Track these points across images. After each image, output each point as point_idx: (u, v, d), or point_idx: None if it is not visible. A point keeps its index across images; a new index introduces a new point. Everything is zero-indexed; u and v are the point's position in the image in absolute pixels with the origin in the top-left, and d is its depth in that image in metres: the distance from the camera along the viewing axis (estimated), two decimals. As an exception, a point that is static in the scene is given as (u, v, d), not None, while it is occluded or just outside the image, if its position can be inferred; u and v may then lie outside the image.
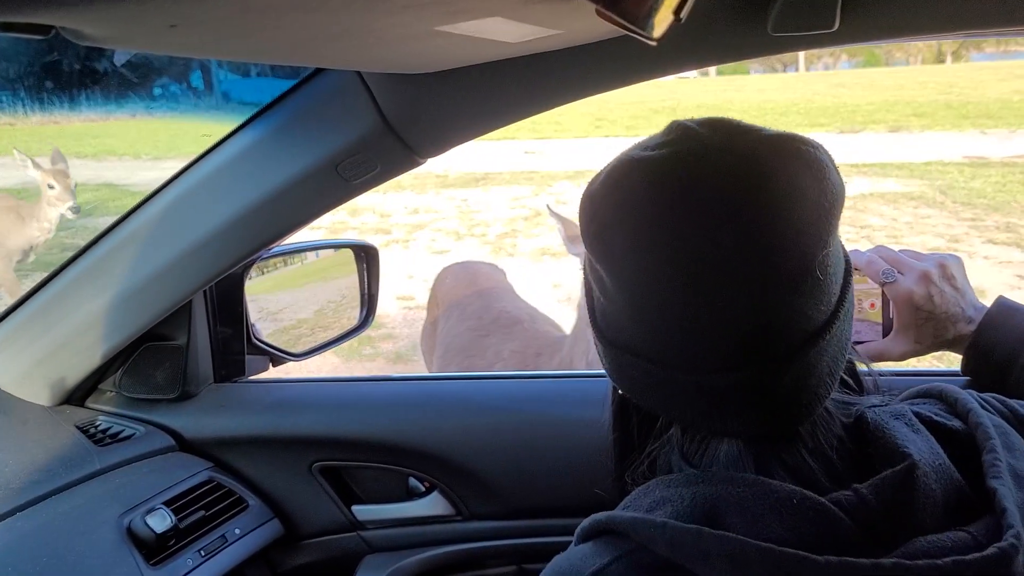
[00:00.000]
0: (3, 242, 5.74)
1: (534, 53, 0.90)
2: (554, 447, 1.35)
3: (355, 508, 1.44)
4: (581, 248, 2.48)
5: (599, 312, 0.69)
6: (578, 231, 0.68)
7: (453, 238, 8.29)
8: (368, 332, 5.35)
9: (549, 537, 1.39)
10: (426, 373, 3.21)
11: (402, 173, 1.10)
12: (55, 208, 5.63)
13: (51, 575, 1.06)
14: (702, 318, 0.59)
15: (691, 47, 0.86)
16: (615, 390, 0.76)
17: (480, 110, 1.01)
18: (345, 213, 9.34)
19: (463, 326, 3.03)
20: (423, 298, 5.97)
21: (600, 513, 0.66)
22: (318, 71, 1.06)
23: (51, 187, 5.55)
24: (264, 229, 1.19)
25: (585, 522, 0.67)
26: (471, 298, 3.17)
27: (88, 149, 15.08)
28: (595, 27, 0.70)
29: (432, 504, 1.42)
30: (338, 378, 1.65)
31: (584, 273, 0.72)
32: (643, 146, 0.65)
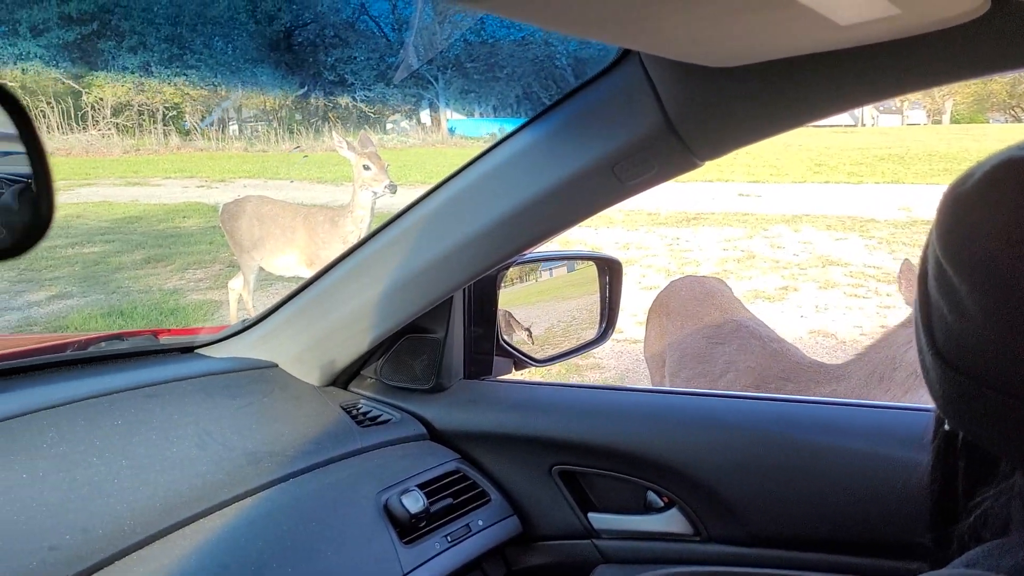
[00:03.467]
0: (320, 253, 6.00)
1: (840, 49, 0.87)
2: (809, 475, 1.27)
3: (591, 515, 1.44)
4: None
5: (942, 332, 0.60)
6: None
7: (664, 275, 8.19)
8: (577, 360, 5.39)
9: (796, 570, 1.31)
10: (670, 387, 3.26)
11: (678, 175, 1.09)
12: (368, 191, 5.77)
13: (317, 540, 1.13)
14: None
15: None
16: (940, 424, 0.67)
17: (770, 110, 0.97)
18: (557, 244, 9.48)
19: (700, 334, 3.09)
20: (632, 332, 5.93)
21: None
22: (602, 73, 1.08)
23: (367, 168, 5.72)
24: (532, 228, 1.21)
25: None
26: (707, 308, 3.23)
27: (328, 175, 16.52)
28: (943, 11, 0.65)
29: (670, 520, 1.38)
30: (583, 384, 1.67)
31: (923, 284, 0.64)
32: None
